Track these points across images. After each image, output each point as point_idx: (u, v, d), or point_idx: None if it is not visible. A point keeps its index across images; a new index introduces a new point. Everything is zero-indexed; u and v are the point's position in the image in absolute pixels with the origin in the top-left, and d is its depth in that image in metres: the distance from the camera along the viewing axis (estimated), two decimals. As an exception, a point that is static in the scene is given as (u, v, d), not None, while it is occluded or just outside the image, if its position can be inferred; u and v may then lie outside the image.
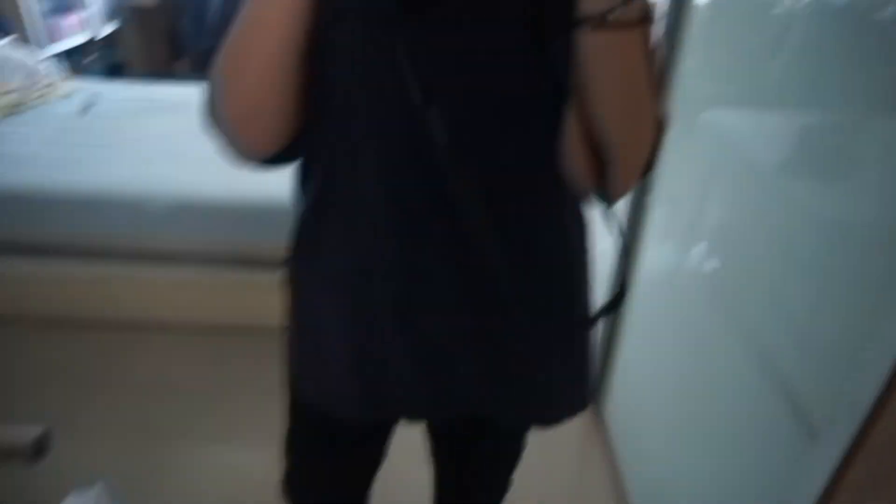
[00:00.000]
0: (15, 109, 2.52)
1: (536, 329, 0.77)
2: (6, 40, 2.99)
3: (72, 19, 3.65)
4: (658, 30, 0.65)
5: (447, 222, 0.68)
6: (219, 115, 0.64)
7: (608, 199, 0.68)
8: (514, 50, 0.61)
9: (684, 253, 1.35)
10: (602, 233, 1.65)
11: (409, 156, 0.65)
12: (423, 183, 0.66)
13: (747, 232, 1.12)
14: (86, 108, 2.58)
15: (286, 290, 0.85)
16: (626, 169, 0.64)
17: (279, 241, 0.84)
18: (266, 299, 1.98)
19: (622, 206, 1.60)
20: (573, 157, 0.65)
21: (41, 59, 2.96)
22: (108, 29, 4.00)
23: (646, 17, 0.52)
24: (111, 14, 4.06)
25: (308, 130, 0.68)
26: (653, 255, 1.56)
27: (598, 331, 1.78)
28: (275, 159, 0.70)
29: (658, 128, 0.64)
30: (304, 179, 0.77)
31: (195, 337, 2.13)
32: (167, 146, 2.29)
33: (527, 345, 0.78)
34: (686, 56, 1.36)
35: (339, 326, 0.78)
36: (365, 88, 0.63)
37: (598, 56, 0.54)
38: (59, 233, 2.01)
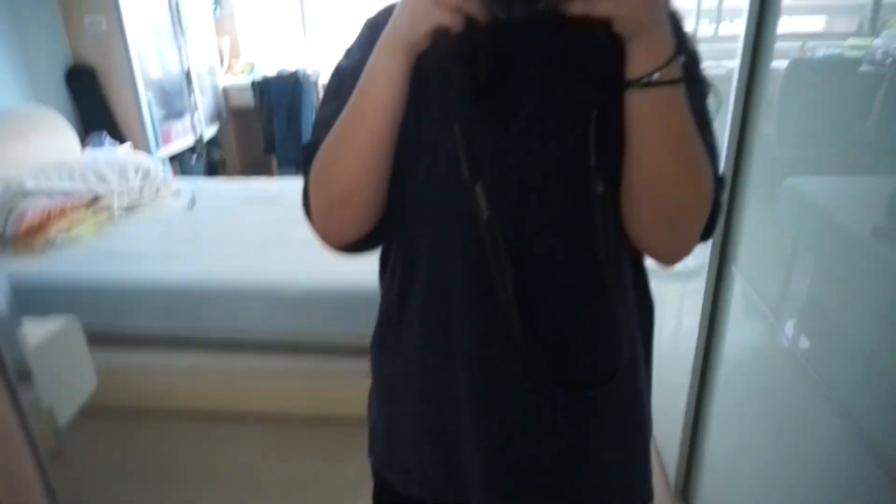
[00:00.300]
0: (132, 208, 2.81)
1: (595, 409, 0.78)
2: (126, 146, 3.37)
3: (181, 124, 4.06)
4: (706, 89, 0.71)
5: (551, 298, 0.72)
6: (316, 201, 0.71)
7: (668, 260, 0.72)
8: (567, 132, 0.67)
9: (772, 327, 1.29)
10: (689, 310, 1.61)
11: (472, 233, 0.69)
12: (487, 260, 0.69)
13: (840, 302, 1.06)
14: (191, 205, 2.83)
15: (371, 375, 0.89)
16: (685, 228, 0.68)
17: (368, 329, 0.89)
18: (354, 388, 2.04)
19: (704, 280, 1.56)
20: (630, 221, 0.68)
21: (154, 160, 3.30)
22: (210, 130, 4.41)
23: (686, 75, 0.59)
24: (214, 116, 4.49)
25: (390, 214, 0.74)
26: (738, 331, 1.49)
27: (680, 416, 1.71)
28: (362, 245, 0.76)
29: (715, 185, 0.67)
30: (386, 264, 0.83)
31: (282, 427, 2.17)
32: (262, 236, 2.46)
33: (588, 430, 0.78)
34: (762, 121, 1.35)
35: (417, 408, 0.81)
36: (434, 167, 0.70)
37: (648, 113, 0.60)
38: (161, 325, 2.16)
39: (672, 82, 0.58)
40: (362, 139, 0.65)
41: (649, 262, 0.78)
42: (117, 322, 2.16)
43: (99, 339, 2.11)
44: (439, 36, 0.60)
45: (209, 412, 2.22)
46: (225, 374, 2.17)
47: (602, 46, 0.59)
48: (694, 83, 0.65)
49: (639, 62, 0.58)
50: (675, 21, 0.65)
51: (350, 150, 0.66)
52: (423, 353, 0.78)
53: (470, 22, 0.58)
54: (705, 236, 0.72)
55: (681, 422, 1.72)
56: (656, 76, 0.57)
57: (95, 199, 2.68)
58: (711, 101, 0.72)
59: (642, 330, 0.82)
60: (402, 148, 0.69)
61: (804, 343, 1.17)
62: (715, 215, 0.70)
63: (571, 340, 0.74)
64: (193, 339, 2.18)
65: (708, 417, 1.64)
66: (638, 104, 0.60)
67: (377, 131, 0.65)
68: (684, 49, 0.62)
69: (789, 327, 1.23)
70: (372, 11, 0.77)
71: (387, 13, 0.68)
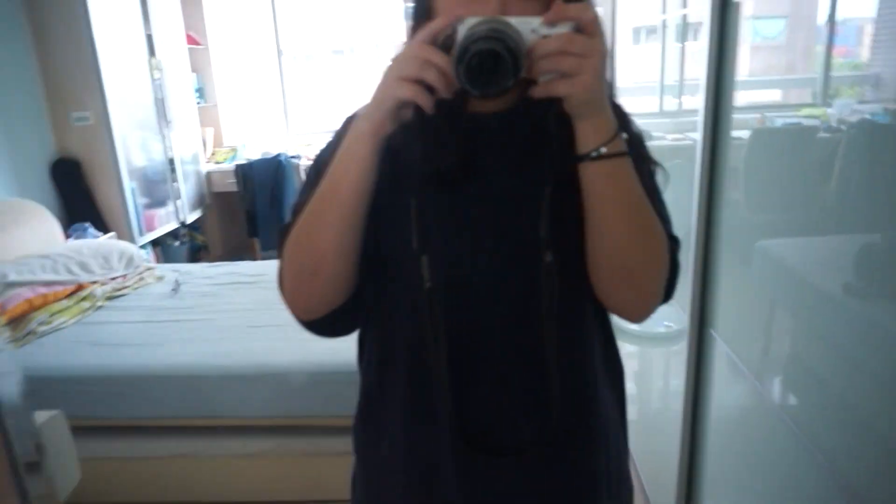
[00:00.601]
0: (116, 294, 2.79)
1: (578, 469, 0.80)
2: (109, 235, 3.39)
3: (164, 211, 4.10)
4: (653, 165, 0.80)
5: (497, 368, 0.76)
6: (288, 274, 0.75)
7: (634, 317, 0.78)
8: (522, 210, 0.73)
9: (753, 387, 1.31)
10: (675, 371, 1.63)
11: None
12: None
13: (818, 359, 1.09)
14: (175, 289, 2.83)
15: (354, 455, 0.90)
16: (646, 286, 0.74)
17: (351, 406, 0.90)
18: (343, 469, 2.00)
19: (686, 344, 1.59)
20: (597, 283, 0.74)
21: (138, 247, 3.31)
22: (193, 215, 4.45)
23: (633, 152, 0.68)
24: (197, 202, 4.54)
25: (361, 297, 0.77)
26: (722, 392, 1.51)
27: (673, 477, 1.69)
28: (336, 322, 0.79)
29: (669, 245, 0.74)
30: (363, 345, 0.86)
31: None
32: (247, 319, 2.46)
33: (574, 488, 0.81)
34: (728, 188, 1.41)
35: (404, 487, 0.82)
36: (402, 245, 0.74)
37: (600, 183, 0.67)
38: (145, 413, 2.11)
39: (619, 155, 0.66)
40: (333, 214, 0.70)
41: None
42: (100, 412, 2.11)
43: (81, 430, 2.06)
44: (407, 130, 0.66)
45: (196, 502, 2.14)
46: (212, 460, 2.10)
47: (555, 126, 0.67)
48: (641, 159, 0.74)
49: (588, 138, 0.65)
50: (617, 109, 0.73)
51: (321, 224, 0.71)
52: (407, 432, 0.80)
53: (437, 117, 0.65)
54: (668, 294, 0.77)
55: (674, 485, 1.70)
56: (604, 150, 0.65)
57: (78, 288, 2.66)
58: (660, 175, 0.80)
59: (614, 392, 0.86)
60: (376, 229, 0.74)
61: (786, 401, 1.19)
62: (674, 274, 0.77)
63: (506, 409, 0.77)
64: (179, 427, 2.13)
65: (701, 477, 1.63)
66: (591, 176, 0.67)
67: (347, 207, 0.69)
68: (629, 131, 0.72)
69: (770, 386, 1.25)
70: (351, 106, 0.82)
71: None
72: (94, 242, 3.05)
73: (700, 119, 1.41)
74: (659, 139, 2.49)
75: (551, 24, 0.61)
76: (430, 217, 0.71)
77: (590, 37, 0.60)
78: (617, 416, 0.86)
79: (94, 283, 2.75)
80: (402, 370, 0.79)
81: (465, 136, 0.72)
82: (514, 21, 0.61)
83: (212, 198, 4.74)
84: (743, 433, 1.40)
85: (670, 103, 2.64)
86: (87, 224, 3.36)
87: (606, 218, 0.68)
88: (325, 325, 0.79)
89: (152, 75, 3.88)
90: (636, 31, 3.30)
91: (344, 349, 0.88)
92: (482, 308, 0.76)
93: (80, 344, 2.30)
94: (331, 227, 0.70)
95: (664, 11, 2.53)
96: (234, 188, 4.54)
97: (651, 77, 2.76)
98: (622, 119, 0.69)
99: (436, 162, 0.71)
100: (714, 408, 1.54)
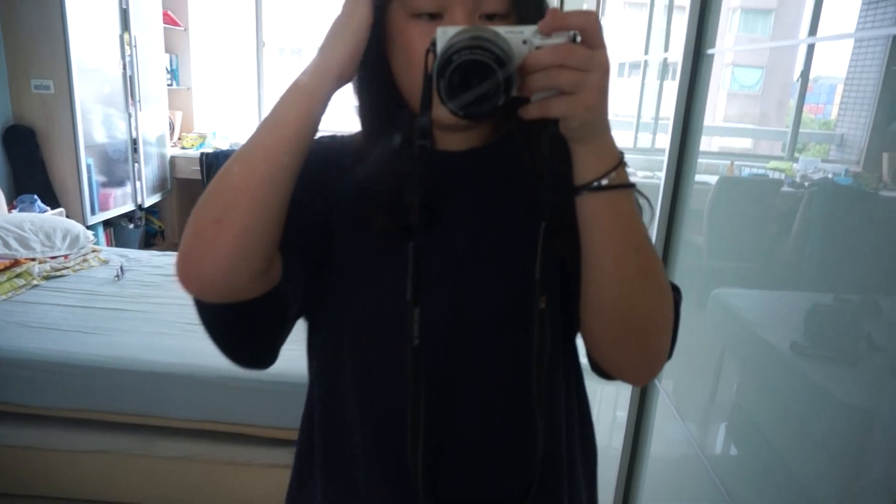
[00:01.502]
0: (55, 274, 2.65)
1: None
2: (56, 211, 3.24)
3: (121, 191, 3.95)
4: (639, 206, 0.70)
5: (473, 428, 0.69)
6: (185, 236, 0.63)
7: (638, 379, 0.70)
8: (508, 258, 0.66)
9: (688, 434, 1.29)
10: (624, 407, 1.60)
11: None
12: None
13: (755, 413, 1.07)
14: (118, 276, 2.70)
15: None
16: (653, 340, 0.64)
17: (288, 422, 0.83)
18: (270, 480, 1.93)
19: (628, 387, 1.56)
20: (597, 341, 0.66)
21: (89, 226, 3.17)
22: (153, 199, 4.31)
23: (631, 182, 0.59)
24: (158, 186, 4.40)
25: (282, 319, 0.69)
26: (660, 437, 1.49)
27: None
28: (255, 355, 0.72)
29: (674, 294, 0.65)
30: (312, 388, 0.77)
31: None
32: (186, 315, 2.35)
33: None
34: (687, 231, 1.39)
35: None
36: (375, 286, 0.68)
37: (602, 217, 0.58)
38: (68, 404, 2.00)
39: (623, 186, 0.58)
40: (266, 147, 0.61)
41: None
42: (16, 398, 1.98)
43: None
44: (375, 177, 0.60)
45: (111, 502, 2.03)
46: (132, 459, 2.00)
47: (549, 153, 0.57)
48: None
49: (588, 166, 0.57)
50: None
51: (245, 160, 0.61)
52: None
53: (402, 158, 0.58)
54: (669, 352, 0.68)
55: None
56: (606, 181, 0.56)
57: (14, 263, 2.53)
58: (645, 215, 0.72)
59: (585, 466, 0.79)
60: (340, 275, 0.68)
61: (713, 452, 1.18)
62: (676, 328, 0.67)
63: (478, 470, 0.70)
64: (101, 421, 2.01)
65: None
66: (591, 210, 0.58)
67: (284, 143, 0.60)
68: None
69: (701, 437, 1.24)
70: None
71: (331, 139, 0.72)
72: (39, 217, 2.91)
73: (665, 160, 1.39)
74: (630, 175, 2.49)
75: (546, 33, 0.52)
76: (395, 265, 0.62)
77: (592, 48, 0.51)
78: (584, 485, 0.78)
79: (33, 260, 2.62)
80: (357, 430, 0.71)
81: (433, 180, 0.63)
82: (503, 30, 0.52)
83: (174, 183, 4.60)
84: (674, 479, 1.39)
85: (644, 140, 2.65)
86: (35, 196, 3.22)
87: (608, 259, 0.59)
88: (229, 330, 0.69)
89: (123, 51, 3.76)
90: (621, 66, 3.32)
91: (281, 359, 0.82)
92: (462, 363, 0.68)
93: (6, 323, 2.17)
94: (259, 161, 0.60)
95: (647, 53, 2.54)
96: (199, 175, 4.41)
97: (629, 112, 2.77)
98: None
99: (396, 216, 0.63)
100: (651, 451, 1.51)
